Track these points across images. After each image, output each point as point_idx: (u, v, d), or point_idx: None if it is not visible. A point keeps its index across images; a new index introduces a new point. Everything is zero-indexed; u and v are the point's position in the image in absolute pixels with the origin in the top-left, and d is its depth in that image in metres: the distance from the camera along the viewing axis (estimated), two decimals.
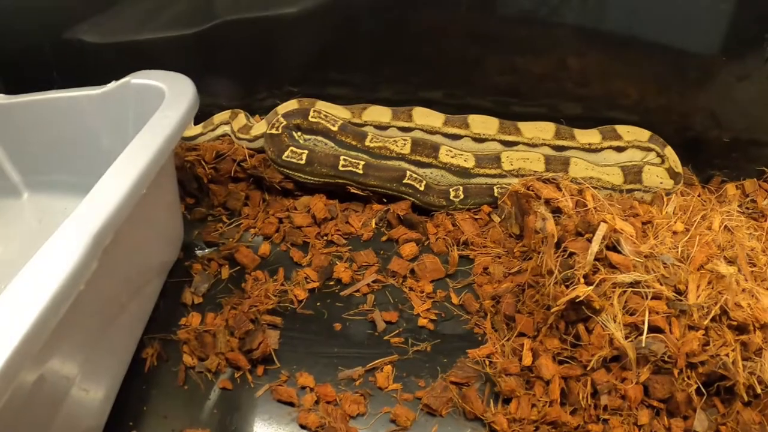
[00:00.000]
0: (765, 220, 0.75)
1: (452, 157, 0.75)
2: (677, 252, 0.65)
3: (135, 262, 0.60)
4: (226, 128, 0.86)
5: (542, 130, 0.80)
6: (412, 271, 0.69)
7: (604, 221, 0.62)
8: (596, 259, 0.59)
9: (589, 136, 0.80)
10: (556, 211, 0.68)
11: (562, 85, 0.87)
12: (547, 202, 0.68)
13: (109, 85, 0.73)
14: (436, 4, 0.81)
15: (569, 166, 0.75)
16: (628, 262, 0.60)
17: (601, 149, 0.79)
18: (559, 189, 0.70)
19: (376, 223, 0.75)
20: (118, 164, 0.52)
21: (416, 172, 0.74)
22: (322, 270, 0.69)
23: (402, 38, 0.84)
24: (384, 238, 0.74)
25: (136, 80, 0.69)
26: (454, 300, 0.67)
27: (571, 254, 0.61)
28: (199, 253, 0.73)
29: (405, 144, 0.75)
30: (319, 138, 0.77)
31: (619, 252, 0.62)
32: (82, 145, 0.74)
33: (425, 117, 0.79)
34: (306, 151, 0.74)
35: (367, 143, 0.76)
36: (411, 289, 0.68)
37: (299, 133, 0.78)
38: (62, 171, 0.76)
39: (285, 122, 0.77)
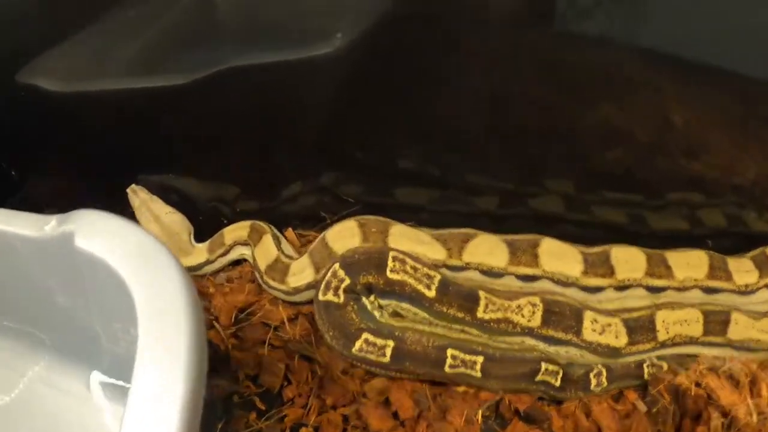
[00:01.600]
0: None
1: (600, 333, 0.52)
2: None
3: None
4: (244, 251, 0.55)
5: (694, 267, 0.59)
6: None
7: None
8: None
9: (746, 274, 0.60)
10: (727, 415, 0.53)
11: (672, 159, 0.64)
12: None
13: (46, 227, 0.44)
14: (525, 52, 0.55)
15: (729, 325, 0.57)
16: None
17: (757, 290, 0.63)
18: (732, 380, 0.55)
19: (483, 415, 0.55)
20: None
21: (551, 357, 0.51)
22: None
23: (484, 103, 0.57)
24: None
25: (83, 244, 0.38)
26: None
27: None
28: None
29: (534, 313, 0.50)
30: (405, 305, 0.50)
31: None
32: (30, 293, 0.49)
33: (557, 260, 0.53)
34: (391, 342, 0.47)
35: (479, 314, 0.49)
36: None
37: (372, 298, 0.49)
38: (12, 316, 0.52)
39: (348, 281, 0.48)
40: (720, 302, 0.63)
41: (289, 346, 0.52)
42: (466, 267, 0.54)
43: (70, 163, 0.67)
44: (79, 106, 0.59)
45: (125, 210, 0.65)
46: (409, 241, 0.53)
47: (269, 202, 0.59)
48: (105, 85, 0.59)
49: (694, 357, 0.60)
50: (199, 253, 0.55)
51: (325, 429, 0.53)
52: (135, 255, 0.38)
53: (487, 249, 0.54)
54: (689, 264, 0.62)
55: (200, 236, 0.62)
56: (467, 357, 0.49)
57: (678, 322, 0.57)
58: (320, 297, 0.48)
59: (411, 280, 0.50)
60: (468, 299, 0.51)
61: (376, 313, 0.50)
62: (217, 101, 0.57)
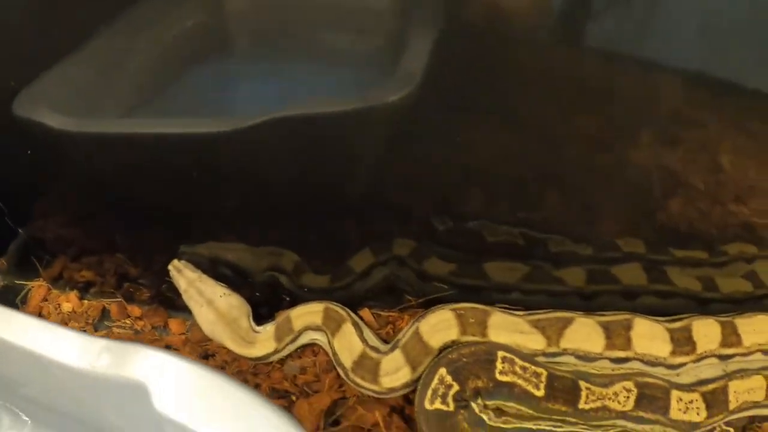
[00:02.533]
0: None
1: (684, 412, 0.52)
2: None
3: None
4: (316, 336, 0.49)
5: (759, 332, 0.59)
6: None
7: None
8: None
9: None
10: None
11: (723, 206, 0.65)
12: None
13: (98, 364, 0.36)
14: None
15: None
16: None
17: None
18: None
19: None
20: None
21: None
22: None
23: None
24: None
25: (162, 407, 0.33)
26: None
27: None
28: None
29: (629, 398, 0.50)
30: (510, 403, 0.46)
31: None
32: (77, 404, 0.42)
33: (649, 342, 0.52)
34: None
35: (581, 405, 0.48)
36: None
37: (479, 400, 0.46)
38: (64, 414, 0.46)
39: (457, 387, 0.44)
40: None
41: None
42: (562, 353, 0.52)
43: (87, 216, 0.56)
44: (97, 149, 0.49)
45: (157, 273, 0.56)
46: (509, 332, 0.49)
47: (338, 277, 0.53)
48: (125, 127, 0.49)
49: (754, 417, 0.65)
50: (266, 342, 0.49)
51: None
52: (229, 420, 0.32)
53: (585, 335, 0.52)
54: (755, 330, 0.63)
55: (258, 314, 0.55)
56: None
57: (746, 390, 0.60)
58: (427, 406, 0.44)
59: (520, 381, 0.47)
60: (571, 392, 0.49)
61: (485, 417, 0.47)
62: (266, 154, 0.49)
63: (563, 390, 0.49)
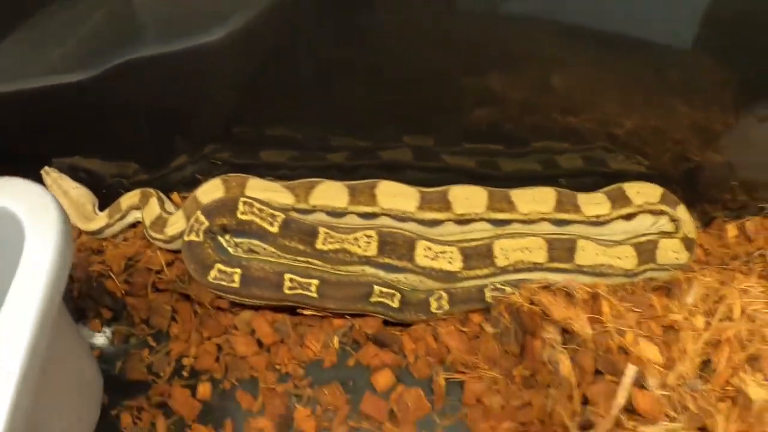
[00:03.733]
0: None
1: (432, 259, 0.58)
2: (701, 363, 0.56)
3: None
4: (137, 214, 0.65)
5: (540, 201, 0.63)
6: (391, 412, 0.58)
7: (631, 362, 0.50)
8: None
9: (596, 206, 0.64)
10: (568, 332, 0.57)
11: (548, 115, 0.68)
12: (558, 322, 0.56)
13: None
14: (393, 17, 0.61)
15: (575, 252, 0.61)
16: (655, 407, 0.50)
17: (610, 221, 0.65)
18: (570, 296, 0.59)
19: (339, 342, 0.61)
20: None
21: (387, 282, 0.58)
22: (280, 420, 0.55)
23: (356, 71, 0.64)
24: (351, 362, 0.59)
25: None
26: None
27: (588, 399, 0.51)
28: (125, 402, 0.56)
29: (369, 243, 0.58)
30: (254, 241, 0.58)
31: (643, 387, 0.52)
32: None
33: (393, 198, 0.60)
34: (238, 270, 0.55)
35: (318, 246, 0.57)
36: None
37: (227, 237, 0.58)
38: None
39: (207, 224, 0.57)
40: (571, 233, 0.66)
41: (168, 286, 0.61)
42: (312, 210, 0.62)
43: None
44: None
45: None
46: (262, 190, 0.62)
47: (160, 175, 0.69)
48: (18, 86, 0.67)
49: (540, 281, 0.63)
50: (101, 219, 0.66)
51: (203, 357, 0.61)
52: (25, 202, 0.48)
53: (331, 193, 0.61)
54: (534, 199, 0.65)
55: (106, 207, 0.72)
56: (303, 280, 0.56)
57: (519, 249, 0.61)
58: (185, 238, 0.58)
59: (257, 220, 0.58)
60: (308, 234, 0.58)
61: (230, 249, 0.59)
62: (117, 92, 0.65)
63: (299, 231, 0.58)
